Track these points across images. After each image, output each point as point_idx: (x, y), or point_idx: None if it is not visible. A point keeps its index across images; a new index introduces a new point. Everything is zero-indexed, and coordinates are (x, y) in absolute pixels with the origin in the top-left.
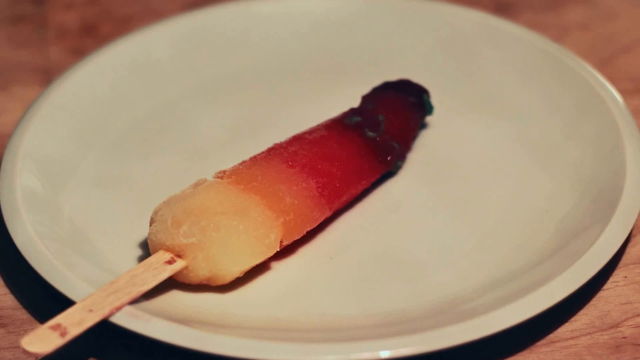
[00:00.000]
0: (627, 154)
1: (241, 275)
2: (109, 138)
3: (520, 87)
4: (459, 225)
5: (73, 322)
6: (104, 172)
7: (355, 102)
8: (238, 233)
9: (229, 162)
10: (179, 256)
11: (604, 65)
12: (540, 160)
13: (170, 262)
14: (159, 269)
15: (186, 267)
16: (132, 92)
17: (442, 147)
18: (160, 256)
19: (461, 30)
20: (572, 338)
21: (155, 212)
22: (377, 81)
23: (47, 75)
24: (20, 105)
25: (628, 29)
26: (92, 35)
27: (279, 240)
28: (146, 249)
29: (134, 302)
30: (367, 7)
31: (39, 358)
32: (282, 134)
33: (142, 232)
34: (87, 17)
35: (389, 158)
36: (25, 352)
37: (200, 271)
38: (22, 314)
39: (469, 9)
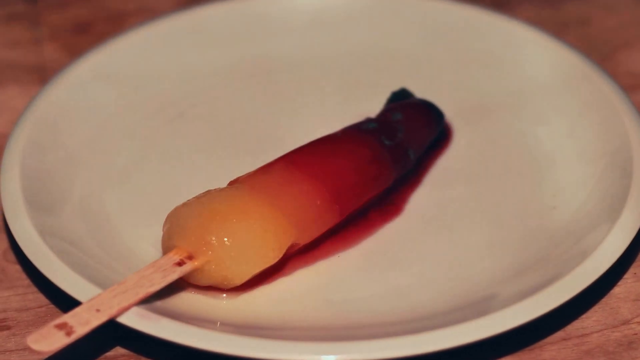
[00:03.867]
0: (634, 150)
1: (251, 277)
2: (110, 139)
3: (522, 84)
4: (467, 223)
5: (80, 322)
6: (109, 171)
7: (364, 103)
8: (249, 237)
9: (239, 169)
10: (191, 258)
11: (605, 60)
12: (546, 157)
13: (179, 264)
14: (168, 270)
15: (197, 269)
16: (129, 91)
17: (449, 147)
18: (170, 258)
19: (459, 26)
20: (583, 335)
21: (169, 215)
22: (383, 81)
23: (43, 74)
24: (17, 104)
25: (628, 24)
26: (86, 34)
27: (291, 244)
28: (155, 251)
29: (142, 302)
30: (367, 5)
31: (44, 359)
32: (291, 137)
33: (151, 232)
34: (81, 15)
35: (403, 165)
36: (30, 350)
37: (212, 273)
38: (27, 316)
39: (466, 5)
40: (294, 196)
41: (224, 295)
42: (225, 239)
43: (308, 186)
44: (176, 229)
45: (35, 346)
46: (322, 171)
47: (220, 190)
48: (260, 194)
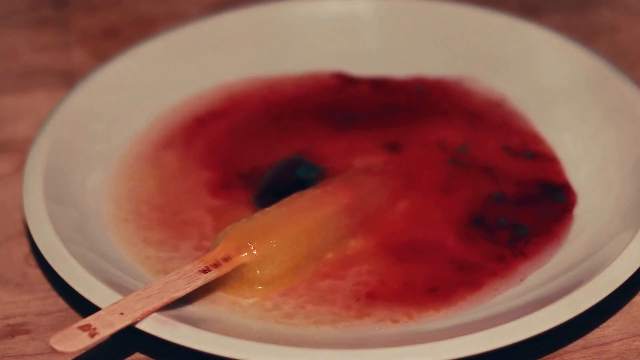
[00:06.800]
0: None
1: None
2: (134, 142)
3: (547, 90)
4: None
5: (103, 324)
6: (133, 177)
7: None
8: (277, 249)
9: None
10: (225, 260)
11: (633, 67)
12: (570, 163)
13: (204, 271)
14: (193, 277)
15: (240, 266)
16: (157, 96)
17: None
18: (196, 265)
19: (484, 32)
20: (604, 344)
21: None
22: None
23: (70, 79)
24: (44, 109)
25: None
26: (115, 39)
27: (312, 258)
28: (177, 258)
29: (161, 309)
30: (392, 11)
31: None
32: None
33: (173, 240)
34: (109, 20)
35: None
36: (53, 350)
37: (244, 274)
38: (47, 321)
39: (492, 11)
40: (320, 217)
41: (249, 300)
42: (256, 247)
43: (334, 209)
44: (224, 235)
45: (58, 346)
46: (349, 197)
47: (263, 211)
48: (293, 214)
